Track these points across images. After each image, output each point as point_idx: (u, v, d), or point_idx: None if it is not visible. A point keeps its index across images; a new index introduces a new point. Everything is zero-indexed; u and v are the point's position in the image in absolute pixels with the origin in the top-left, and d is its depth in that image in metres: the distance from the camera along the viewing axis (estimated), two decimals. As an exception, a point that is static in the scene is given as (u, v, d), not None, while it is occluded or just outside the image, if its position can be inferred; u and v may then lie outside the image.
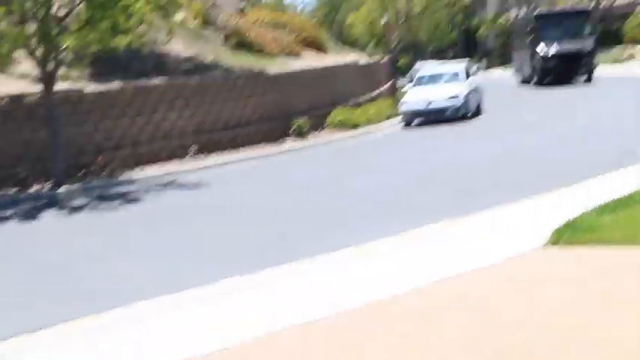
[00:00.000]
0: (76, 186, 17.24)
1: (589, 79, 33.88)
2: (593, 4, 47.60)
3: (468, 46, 68.84)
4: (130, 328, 6.88)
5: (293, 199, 13.45)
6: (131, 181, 17.73)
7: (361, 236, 9.27)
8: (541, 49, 34.56)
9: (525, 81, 37.81)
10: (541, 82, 34.78)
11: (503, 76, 50.98)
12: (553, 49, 34.20)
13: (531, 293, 6.40)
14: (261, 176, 17.33)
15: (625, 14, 47.83)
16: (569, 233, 7.87)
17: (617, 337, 5.17)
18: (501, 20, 65.61)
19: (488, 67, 62.70)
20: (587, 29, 35.38)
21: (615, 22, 48.66)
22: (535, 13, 40.81)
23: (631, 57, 45.40)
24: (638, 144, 14.05)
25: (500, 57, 64.48)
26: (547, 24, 35.61)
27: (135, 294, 7.88)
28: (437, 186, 12.87)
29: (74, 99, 18.80)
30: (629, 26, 43.53)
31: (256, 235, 10.73)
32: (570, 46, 34.03)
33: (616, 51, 46.74)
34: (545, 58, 34.47)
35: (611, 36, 44.38)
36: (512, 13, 63.17)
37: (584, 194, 10.05)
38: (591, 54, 34.32)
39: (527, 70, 37.45)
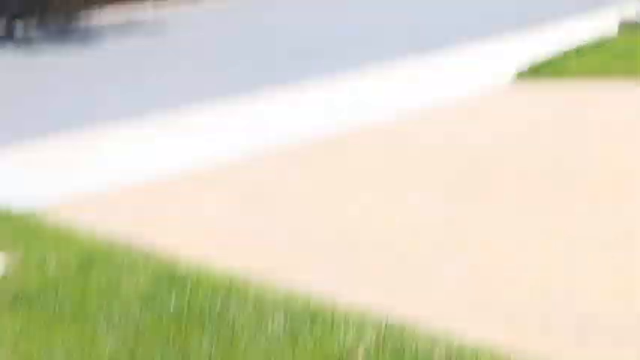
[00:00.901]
0: (33, 22, 16.68)
1: None
2: None
3: None
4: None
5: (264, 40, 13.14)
6: (97, 20, 17.15)
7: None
8: None
9: None
10: None
11: None
12: None
13: (496, 121, 6.64)
14: (234, 18, 16.73)
15: None
16: (535, 72, 8.05)
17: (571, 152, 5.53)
18: None
19: None
20: None
21: None
22: None
23: None
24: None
25: None
26: None
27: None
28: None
29: None
30: None
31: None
32: None
33: None
34: None
35: None
36: None
37: (548, 39, 10.14)
38: None
39: None
